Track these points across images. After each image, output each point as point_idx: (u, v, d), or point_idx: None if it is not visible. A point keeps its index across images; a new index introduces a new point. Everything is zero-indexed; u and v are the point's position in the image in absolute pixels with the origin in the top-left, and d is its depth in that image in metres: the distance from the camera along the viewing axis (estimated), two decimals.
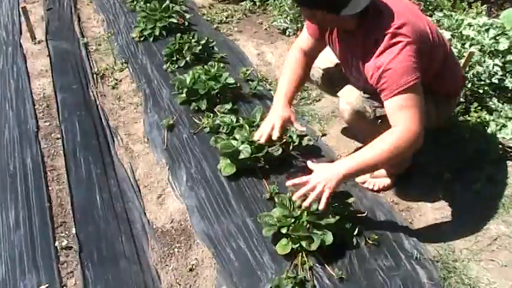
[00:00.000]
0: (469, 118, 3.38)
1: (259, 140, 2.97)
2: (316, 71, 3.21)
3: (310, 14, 2.63)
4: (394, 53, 2.43)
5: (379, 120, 2.67)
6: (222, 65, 3.90)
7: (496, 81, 3.44)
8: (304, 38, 3.03)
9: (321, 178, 2.43)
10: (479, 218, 2.83)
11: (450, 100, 3.01)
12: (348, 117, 2.81)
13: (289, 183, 2.55)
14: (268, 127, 2.95)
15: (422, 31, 2.55)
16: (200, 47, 4.25)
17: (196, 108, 3.61)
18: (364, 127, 2.79)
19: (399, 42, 2.43)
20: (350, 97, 2.77)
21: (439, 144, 3.26)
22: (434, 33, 2.67)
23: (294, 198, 2.55)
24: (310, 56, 3.05)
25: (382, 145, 2.42)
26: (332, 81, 3.19)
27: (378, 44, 2.47)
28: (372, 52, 2.49)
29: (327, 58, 3.14)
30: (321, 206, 2.41)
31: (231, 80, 3.67)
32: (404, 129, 2.40)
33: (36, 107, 4.06)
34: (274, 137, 2.92)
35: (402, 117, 2.42)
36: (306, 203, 2.44)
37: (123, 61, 4.65)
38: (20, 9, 5.31)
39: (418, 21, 2.58)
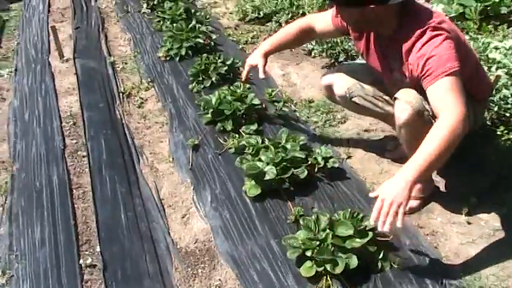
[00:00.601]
0: (495, 141, 3.35)
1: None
2: (340, 87, 3.24)
3: (358, 14, 2.72)
4: (437, 43, 2.56)
5: (435, 119, 2.61)
6: (247, 85, 3.91)
7: None
8: (322, 22, 3.18)
9: (391, 197, 2.30)
10: (506, 243, 2.78)
11: (480, 106, 3.04)
12: (407, 118, 2.73)
13: (372, 222, 2.37)
14: (247, 67, 3.45)
15: (457, 32, 2.73)
16: (226, 68, 4.28)
17: (221, 128, 3.62)
18: (418, 130, 2.71)
19: (440, 34, 2.57)
20: (409, 96, 2.73)
21: (465, 168, 3.22)
22: (466, 40, 2.83)
23: (371, 223, 2.40)
24: (312, 34, 3.34)
25: (438, 133, 2.38)
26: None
27: (420, 37, 2.60)
28: (415, 46, 2.63)
29: (348, 77, 3.24)
30: (399, 224, 2.29)
31: (256, 101, 3.68)
32: (455, 112, 2.40)
33: (63, 124, 4.11)
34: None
35: (449, 101, 2.45)
36: (385, 228, 2.30)
37: (149, 80, 4.70)
38: (49, 28, 5.40)
39: (452, 25, 2.75)
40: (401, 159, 3.23)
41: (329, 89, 3.34)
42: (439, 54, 2.53)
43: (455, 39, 2.62)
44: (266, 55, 3.39)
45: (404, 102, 2.73)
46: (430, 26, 2.59)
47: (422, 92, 2.64)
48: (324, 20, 3.22)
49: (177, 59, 4.78)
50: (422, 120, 2.71)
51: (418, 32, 2.61)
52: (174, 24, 5.14)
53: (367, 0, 2.65)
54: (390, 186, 2.35)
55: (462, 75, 2.54)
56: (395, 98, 2.79)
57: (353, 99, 3.22)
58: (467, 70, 2.69)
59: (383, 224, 2.30)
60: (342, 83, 3.24)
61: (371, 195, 2.47)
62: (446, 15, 4.27)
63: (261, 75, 3.33)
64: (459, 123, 2.38)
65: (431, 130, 2.42)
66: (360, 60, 3.39)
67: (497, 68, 3.58)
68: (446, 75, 2.49)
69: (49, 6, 6.72)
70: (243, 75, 3.48)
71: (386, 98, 3.14)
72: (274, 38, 3.44)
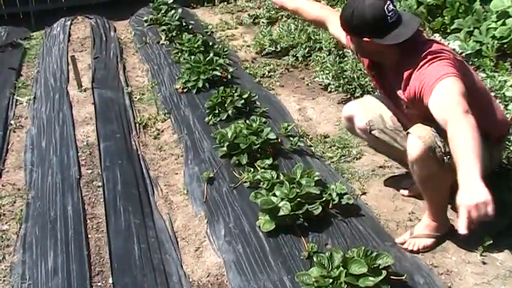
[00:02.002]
0: (510, 180, 3.32)
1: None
2: (361, 120, 3.25)
3: (358, 44, 2.81)
4: (433, 60, 2.63)
5: (447, 157, 2.63)
6: (263, 119, 3.92)
7: None
8: (338, 26, 3.11)
9: (471, 201, 2.22)
10: None
11: (496, 146, 3.03)
12: (418, 154, 2.71)
13: (463, 231, 2.23)
14: None
15: (462, 61, 2.81)
16: (242, 101, 4.30)
17: (236, 162, 3.62)
18: (430, 167, 2.72)
19: (440, 58, 2.63)
20: (422, 132, 2.71)
21: None
22: (474, 73, 2.92)
23: (461, 231, 2.25)
24: (324, 27, 3.48)
25: (463, 131, 2.33)
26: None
27: (421, 61, 2.66)
28: (415, 70, 2.69)
29: (370, 109, 3.26)
30: (491, 213, 2.21)
31: (272, 136, 3.69)
32: (459, 112, 2.39)
33: (79, 154, 4.13)
34: None
35: (448, 105, 2.46)
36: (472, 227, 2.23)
37: (166, 111, 4.73)
38: (69, 58, 5.47)
39: (453, 53, 2.82)
40: (416, 196, 3.24)
41: (350, 120, 3.35)
42: (432, 67, 2.60)
43: (457, 60, 2.68)
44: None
45: (417, 138, 2.72)
46: (430, 51, 2.66)
47: (433, 123, 2.63)
48: (337, 24, 3.14)
49: (194, 91, 4.82)
50: (435, 157, 2.70)
51: (420, 57, 2.67)
52: (192, 57, 5.19)
53: (364, 33, 2.74)
54: (466, 194, 2.25)
55: (462, 80, 2.56)
56: (408, 133, 2.79)
57: (373, 132, 3.22)
58: (476, 100, 2.66)
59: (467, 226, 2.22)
60: (364, 115, 3.25)
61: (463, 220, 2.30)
62: (462, 53, 4.33)
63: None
64: (467, 117, 2.37)
65: (453, 135, 2.36)
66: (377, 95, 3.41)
67: None
68: (439, 81, 2.53)
69: (69, 35, 6.82)
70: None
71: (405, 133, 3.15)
72: (299, 2, 3.57)
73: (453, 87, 2.50)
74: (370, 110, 3.26)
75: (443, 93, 2.51)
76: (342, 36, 3.16)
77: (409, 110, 2.89)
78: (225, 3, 8.05)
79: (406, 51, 2.75)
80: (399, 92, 2.85)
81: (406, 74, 2.73)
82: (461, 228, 2.22)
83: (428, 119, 2.63)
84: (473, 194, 2.23)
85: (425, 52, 2.66)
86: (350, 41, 2.99)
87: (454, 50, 3.70)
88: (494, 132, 2.94)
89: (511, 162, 3.44)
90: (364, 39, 2.76)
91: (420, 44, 2.75)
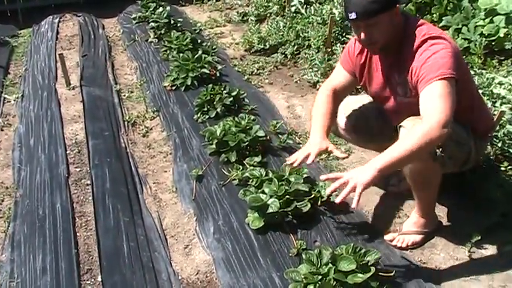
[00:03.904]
0: (499, 177, 3.34)
1: (292, 164, 3.00)
2: (343, 121, 3.29)
3: (388, 18, 2.72)
4: (435, 50, 2.63)
5: (440, 149, 2.68)
6: (252, 117, 3.92)
7: None
8: (337, 75, 3.19)
9: (354, 173, 2.48)
10: (510, 280, 2.77)
11: (482, 141, 3.06)
12: None
13: (323, 177, 2.57)
14: (303, 154, 2.96)
15: (458, 50, 2.78)
16: (231, 99, 4.30)
17: (225, 159, 3.63)
18: (421, 162, 2.71)
19: (440, 43, 2.65)
20: (414, 125, 2.68)
21: (468, 204, 3.22)
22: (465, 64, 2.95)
23: (327, 192, 2.66)
24: (339, 94, 3.19)
25: (414, 135, 2.48)
26: (356, 129, 3.30)
27: (421, 45, 2.68)
28: (416, 53, 2.70)
29: (352, 110, 3.29)
30: (354, 205, 2.46)
31: (261, 133, 3.69)
32: (435, 118, 2.46)
33: (67, 152, 4.11)
34: (309, 162, 2.92)
35: (434, 107, 2.50)
36: (338, 200, 2.50)
37: (155, 109, 4.72)
38: (57, 56, 5.44)
39: (453, 42, 2.81)
40: (405, 193, 3.24)
41: None
42: (433, 60, 2.60)
43: (456, 52, 2.68)
44: (327, 136, 3.05)
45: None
46: (430, 36, 2.68)
47: None
48: (339, 75, 3.18)
49: (183, 88, 4.82)
50: None
51: (419, 40, 2.70)
52: (181, 54, 5.19)
53: (383, 7, 2.68)
54: (356, 169, 2.54)
55: (457, 82, 2.59)
56: (400, 126, 2.80)
57: (357, 132, 3.24)
58: (465, 95, 2.73)
59: (333, 190, 2.55)
60: (347, 116, 3.26)
61: (335, 174, 2.63)
62: None
63: (343, 155, 3.02)
64: (436, 130, 2.44)
65: (411, 130, 2.54)
66: (364, 94, 3.41)
67: (501, 104, 3.60)
68: (436, 80, 2.54)
69: (57, 33, 6.77)
70: (311, 158, 2.93)
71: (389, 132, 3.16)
72: (321, 121, 3.08)
73: (444, 92, 2.52)
74: (352, 111, 3.27)
75: (435, 94, 2.53)
76: (347, 76, 3.15)
77: (404, 98, 2.89)
78: (214, 0, 8.03)
79: (408, 33, 2.77)
80: (400, 77, 2.85)
81: (408, 56, 2.74)
82: (327, 189, 2.59)
83: (419, 110, 2.64)
84: (359, 171, 2.50)
85: (427, 36, 2.69)
86: (361, 33, 2.80)
87: None
88: (480, 127, 2.97)
89: (499, 160, 3.45)
90: (396, 6, 2.73)
91: (420, 26, 2.77)
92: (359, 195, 2.44)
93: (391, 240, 3.00)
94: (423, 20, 2.83)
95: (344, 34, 5.35)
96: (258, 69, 5.45)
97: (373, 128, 3.22)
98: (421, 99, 2.59)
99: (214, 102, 4.28)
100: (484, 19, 4.77)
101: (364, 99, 3.30)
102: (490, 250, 2.96)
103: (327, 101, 3.13)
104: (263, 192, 3.09)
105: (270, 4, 6.89)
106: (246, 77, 5.26)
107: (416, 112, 2.66)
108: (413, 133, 2.49)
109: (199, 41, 5.71)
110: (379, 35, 2.75)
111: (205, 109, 4.29)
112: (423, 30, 2.73)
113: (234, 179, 3.44)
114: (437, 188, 2.91)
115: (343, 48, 3.43)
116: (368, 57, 3.01)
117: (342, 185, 2.49)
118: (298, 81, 5.14)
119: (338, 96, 3.17)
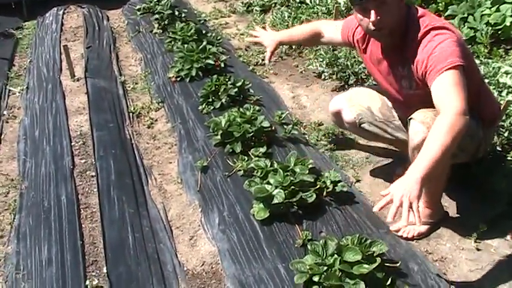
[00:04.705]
0: (506, 167, 3.33)
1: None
2: (349, 113, 3.26)
3: (379, 3, 2.69)
4: (440, 40, 2.63)
5: None
6: (257, 108, 3.92)
7: None
8: (332, 30, 3.35)
9: (402, 191, 2.33)
10: None
11: (488, 131, 3.05)
12: (421, 139, 2.66)
13: (375, 209, 2.41)
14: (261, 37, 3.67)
15: (462, 40, 2.78)
16: (236, 90, 4.28)
17: (230, 150, 3.62)
18: None
19: (444, 33, 2.66)
20: (424, 117, 2.71)
21: (474, 194, 3.21)
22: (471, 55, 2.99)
23: (374, 209, 2.46)
24: (320, 40, 3.49)
25: (440, 129, 2.41)
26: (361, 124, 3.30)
27: (425, 36, 2.69)
28: (420, 45, 2.70)
29: (357, 102, 3.28)
30: (418, 222, 2.31)
31: (266, 124, 3.68)
32: (456, 111, 2.43)
33: (72, 144, 4.11)
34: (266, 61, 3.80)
35: (450, 97, 2.48)
36: (403, 223, 2.33)
37: (159, 100, 4.71)
38: (62, 47, 5.43)
39: (457, 31, 2.82)
40: None
41: (337, 115, 3.35)
42: (440, 50, 2.59)
43: (460, 40, 2.69)
44: (279, 44, 3.65)
45: (420, 123, 2.71)
46: (434, 27, 2.68)
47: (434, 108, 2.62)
48: (334, 30, 3.33)
49: (188, 80, 4.79)
50: None
51: (423, 32, 2.70)
52: (185, 45, 5.15)
53: None
54: (400, 184, 2.37)
55: (465, 70, 2.58)
56: (410, 119, 2.78)
57: (362, 125, 3.23)
58: (472, 83, 2.69)
59: (393, 215, 2.31)
60: (351, 109, 3.25)
61: (382, 193, 2.44)
62: None
63: (266, 61, 3.77)
64: (460, 120, 2.42)
65: (434, 127, 2.45)
66: (369, 84, 3.40)
67: (507, 93, 3.58)
68: (446, 70, 2.53)
69: (62, 25, 6.75)
70: (267, 57, 3.62)
71: (397, 123, 3.14)
72: (290, 32, 3.77)
73: (456, 81, 2.51)
74: (357, 103, 3.26)
75: (448, 84, 2.52)
76: (338, 39, 3.27)
77: (409, 90, 2.89)
78: None
79: (410, 24, 2.76)
80: (404, 69, 2.85)
81: (411, 48, 2.73)
82: (389, 217, 2.34)
83: (427, 102, 2.62)
84: (405, 188, 2.34)
85: (430, 26, 2.69)
86: (365, 19, 2.79)
87: None
88: (487, 113, 2.97)
89: (505, 150, 3.43)
90: None
91: (422, 17, 2.76)
92: (417, 211, 2.31)
93: (397, 231, 2.99)
94: (424, 11, 2.83)
95: None
96: (262, 60, 5.40)
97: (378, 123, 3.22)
98: (433, 91, 2.57)
99: (219, 93, 4.26)
100: (490, 8, 4.74)
101: (368, 90, 3.29)
102: (496, 240, 2.95)
103: (308, 30, 3.51)
104: (268, 183, 3.08)
105: None
106: (250, 68, 5.24)
107: (424, 103, 2.65)
108: (438, 129, 2.41)
109: (203, 31, 5.68)
110: (388, 18, 2.72)
111: (210, 100, 4.28)
112: (425, 21, 2.72)
113: (239, 170, 3.44)
114: (444, 180, 2.90)
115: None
116: (369, 50, 3.01)
117: (389, 202, 2.35)
118: (303, 72, 5.11)
119: (318, 39, 3.48)
